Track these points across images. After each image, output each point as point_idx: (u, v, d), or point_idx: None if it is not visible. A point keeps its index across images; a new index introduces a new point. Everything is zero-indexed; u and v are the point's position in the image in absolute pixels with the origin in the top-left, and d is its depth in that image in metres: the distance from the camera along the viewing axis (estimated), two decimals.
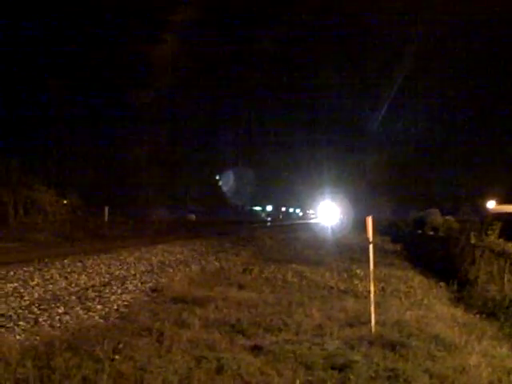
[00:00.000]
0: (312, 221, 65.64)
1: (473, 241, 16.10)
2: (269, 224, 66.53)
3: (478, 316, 9.47)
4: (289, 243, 24.85)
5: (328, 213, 40.90)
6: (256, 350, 6.38)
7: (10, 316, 8.12)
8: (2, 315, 8.14)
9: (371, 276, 7.75)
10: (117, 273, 13.38)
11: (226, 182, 69.55)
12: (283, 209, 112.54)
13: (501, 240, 14.93)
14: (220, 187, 70.05)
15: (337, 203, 40.74)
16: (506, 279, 11.86)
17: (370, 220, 7.59)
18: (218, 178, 69.56)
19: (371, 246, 7.70)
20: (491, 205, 45.70)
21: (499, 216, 22.69)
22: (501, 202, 45.04)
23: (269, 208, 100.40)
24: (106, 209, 34.31)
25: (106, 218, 33.77)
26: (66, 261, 14.81)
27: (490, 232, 16.43)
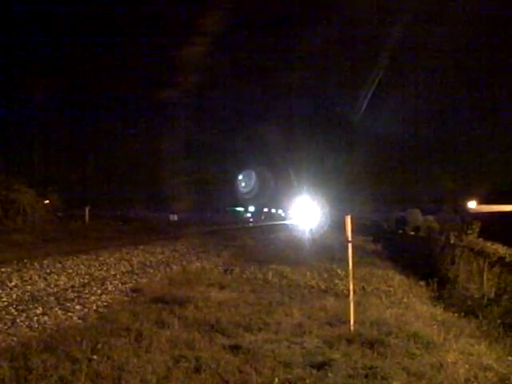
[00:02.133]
0: (292, 221, 65.22)
1: (453, 240, 16.24)
2: (251, 225, 66.46)
3: (456, 314, 9.54)
4: (270, 243, 24.88)
5: (306, 213, 40.17)
6: (235, 349, 6.36)
7: None
8: None
9: (350, 275, 7.78)
10: (97, 273, 13.29)
11: (249, 183, 65.44)
12: (265, 209, 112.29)
13: (480, 239, 15.07)
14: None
15: (315, 202, 40.04)
16: (485, 278, 11.96)
17: (348, 219, 7.62)
18: (240, 177, 65.78)
19: (350, 246, 7.72)
20: (472, 205, 46.20)
21: (479, 216, 22.93)
22: (481, 202, 45.54)
23: (251, 209, 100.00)
24: (87, 209, 34.06)
25: (87, 219, 33.52)
26: (45, 261, 14.69)
27: (469, 232, 16.58)
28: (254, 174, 62.65)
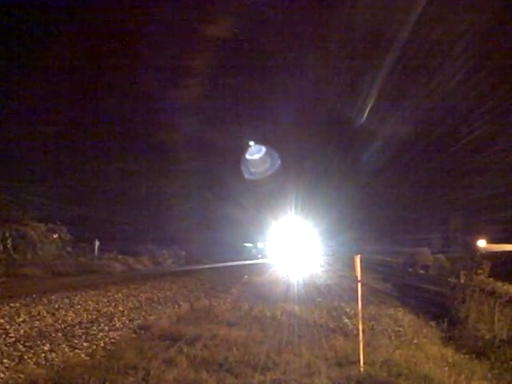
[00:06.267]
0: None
1: (463, 280, 16.15)
2: (259, 261, 65.95)
3: (468, 356, 9.43)
4: (278, 281, 24.71)
5: (304, 247, 34.94)
6: None
7: None
8: None
9: (360, 315, 7.73)
10: (104, 309, 13.24)
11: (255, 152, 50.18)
12: (275, 245, 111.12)
13: (491, 279, 14.98)
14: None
15: (313, 235, 35.61)
16: (496, 318, 11.85)
17: (358, 259, 7.61)
18: (250, 143, 50.96)
19: (359, 285, 7.69)
20: (481, 244, 45.87)
21: (489, 255, 22.80)
22: (491, 240, 45.21)
23: (260, 245, 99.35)
24: (96, 244, 34.09)
25: (96, 253, 33.54)
26: (53, 297, 14.67)
27: (479, 271, 16.51)
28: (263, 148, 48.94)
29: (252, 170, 47.74)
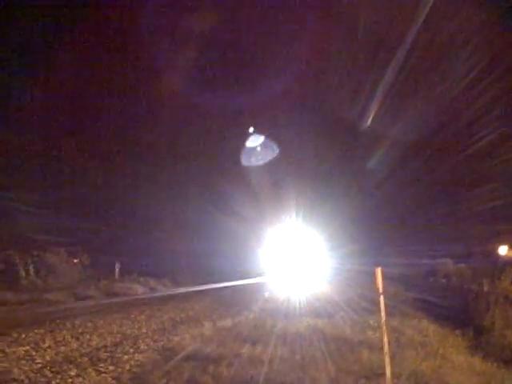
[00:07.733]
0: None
1: (486, 288, 16.00)
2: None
3: (496, 364, 9.33)
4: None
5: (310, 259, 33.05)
6: None
7: (22, 380, 8.08)
8: (14, 380, 8.11)
9: (384, 327, 7.70)
10: (128, 332, 13.31)
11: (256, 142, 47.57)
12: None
13: None
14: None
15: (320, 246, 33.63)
16: None
17: (379, 271, 7.59)
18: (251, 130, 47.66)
19: (382, 298, 7.67)
20: (503, 250, 45.31)
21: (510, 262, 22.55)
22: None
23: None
24: (117, 266, 34.22)
25: (117, 276, 33.68)
26: (77, 321, 14.77)
27: (502, 278, 16.35)
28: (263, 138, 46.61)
29: (252, 158, 47.29)
